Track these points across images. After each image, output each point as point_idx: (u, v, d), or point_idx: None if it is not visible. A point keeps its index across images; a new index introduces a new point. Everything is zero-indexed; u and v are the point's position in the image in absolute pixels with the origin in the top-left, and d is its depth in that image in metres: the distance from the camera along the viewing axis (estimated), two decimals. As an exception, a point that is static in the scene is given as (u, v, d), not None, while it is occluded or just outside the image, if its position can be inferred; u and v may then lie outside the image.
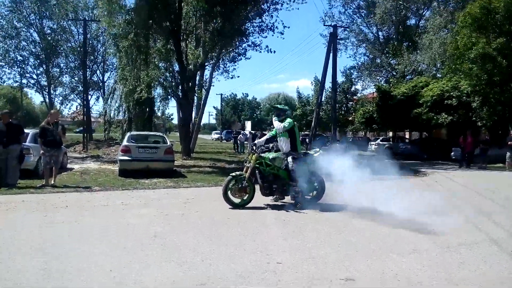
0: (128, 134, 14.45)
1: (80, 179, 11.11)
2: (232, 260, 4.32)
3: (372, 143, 30.52)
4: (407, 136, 35.93)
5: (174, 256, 4.43)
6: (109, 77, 37.89)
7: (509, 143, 16.79)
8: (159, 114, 32.55)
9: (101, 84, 38.32)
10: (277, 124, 7.60)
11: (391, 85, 30.16)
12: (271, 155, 7.53)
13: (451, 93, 22.07)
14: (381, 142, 29.45)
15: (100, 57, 36.24)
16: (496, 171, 16.77)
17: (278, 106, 8.26)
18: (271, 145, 7.98)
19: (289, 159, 7.34)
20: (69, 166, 14.00)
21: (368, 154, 23.77)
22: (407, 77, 31.85)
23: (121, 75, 19.13)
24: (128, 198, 8.23)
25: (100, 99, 39.01)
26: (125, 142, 12.73)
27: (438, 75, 28.31)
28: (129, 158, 11.96)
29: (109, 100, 30.50)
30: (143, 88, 18.45)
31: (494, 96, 19.11)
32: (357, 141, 33.65)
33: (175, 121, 62.16)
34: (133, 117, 26.66)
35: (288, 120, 7.56)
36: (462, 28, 19.17)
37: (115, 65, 30.24)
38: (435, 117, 22.93)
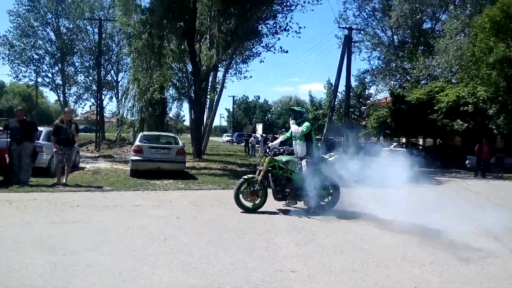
0: (140, 134, 14.43)
1: (91, 178, 11.10)
2: (243, 267, 4.20)
3: (384, 149, 30.08)
4: (420, 143, 35.38)
5: (185, 260, 4.32)
6: (123, 77, 38.21)
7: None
8: (171, 115, 32.61)
9: (115, 84, 38.63)
10: (294, 128, 7.40)
11: (405, 90, 29.68)
12: (284, 158, 7.35)
13: (467, 99, 21.55)
14: (393, 149, 29.00)
15: (114, 57, 36.54)
16: (513, 180, 16.36)
17: (295, 108, 8.06)
18: (282, 148, 7.81)
19: (303, 162, 7.17)
20: (81, 165, 14.04)
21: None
22: (422, 82, 31.37)
23: (133, 75, 19.18)
24: (139, 199, 8.17)
25: (114, 98, 39.31)
26: (137, 142, 12.69)
27: (453, 80, 27.80)
28: (141, 158, 11.92)
29: (123, 100, 30.72)
30: (156, 89, 18.48)
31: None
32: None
33: (186, 122, 62.35)
34: (146, 118, 26.78)
35: (306, 124, 7.38)
36: (480, 32, 18.76)
37: (129, 65, 30.47)
38: (450, 124, 22.44)
